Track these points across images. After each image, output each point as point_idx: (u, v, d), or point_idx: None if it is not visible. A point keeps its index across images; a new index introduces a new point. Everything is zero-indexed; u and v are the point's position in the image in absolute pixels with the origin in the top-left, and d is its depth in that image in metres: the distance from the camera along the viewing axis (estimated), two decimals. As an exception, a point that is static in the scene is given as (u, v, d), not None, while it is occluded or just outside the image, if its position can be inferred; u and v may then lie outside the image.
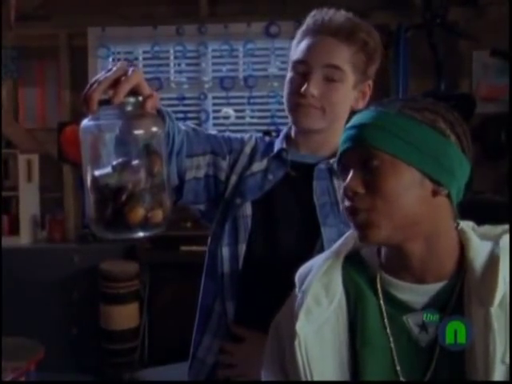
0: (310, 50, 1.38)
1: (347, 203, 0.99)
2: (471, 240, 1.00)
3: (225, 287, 1.42)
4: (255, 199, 1.43)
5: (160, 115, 1.14)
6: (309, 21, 1.41)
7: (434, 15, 3.61)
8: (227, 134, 1.53)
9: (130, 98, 0.96)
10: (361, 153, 0.98)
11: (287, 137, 1.49)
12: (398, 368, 0.98)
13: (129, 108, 0.96)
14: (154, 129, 0.97)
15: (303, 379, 1.01)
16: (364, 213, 0.96)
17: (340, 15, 1.39)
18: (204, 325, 1.48)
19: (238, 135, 1.54)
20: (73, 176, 4.21)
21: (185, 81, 4.24)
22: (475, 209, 1.03)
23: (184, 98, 4.20)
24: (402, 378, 0.98)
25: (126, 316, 3.76)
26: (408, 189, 0.95)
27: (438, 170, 0.96)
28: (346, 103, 1.41)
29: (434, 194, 0.97)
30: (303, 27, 1.42)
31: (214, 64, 4.19)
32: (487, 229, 1.05)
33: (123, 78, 0.95)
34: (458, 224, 1.03)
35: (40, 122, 4.27)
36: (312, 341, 1.01)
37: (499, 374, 0.91)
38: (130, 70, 0.98)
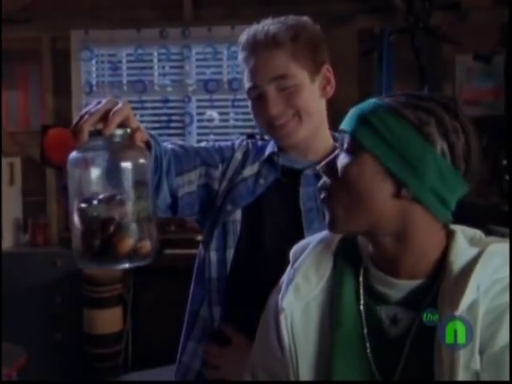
0: (253, 73, 1.39)
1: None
2: (457, 244, 1.00)
3: (212, 292, 1.42)
4: (246, 205, 1.43)
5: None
6: (244, 38, 1.42)
7: (417, 19, 3.63)
8: (218, 143, 1.53)
9: (119, 130, 0.97)
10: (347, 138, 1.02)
11: None
12: (369, 351, 1.01)
13: (117, 139, 0.97)
14: (142, 160, 0.97)
15: (288, 356, 1.03)
16: (324, 191, 1.03)
17: (270, 24, 1.40)
18: (189, 330, 1.48)
19: (229, 143, 1.53)
20: (56, 180, 4.17)
21: (169, 83, 4.24)
22: (457, 212, 1.03)
23: (168, 101, 4.18)
24: (373, 365, 1.00)
25: (109, 320, 3.74)
26: (367, 177, 0.98)
27: (403, 170, 0.96)
28: (314, 99, 1.41)
29: (397, 193, 0.97)
30: (240, 44, 1.43)
31: (197, 67, 4.18)
32: (481, 238, 1.05)
33: (114, 110, 0.97)
34: (447, 228, 1.03)
35: (23, 125, 4.23)
36: (298, 317, 1.04)
37: (464, 379, 0.90)
38: (120, 103, 0.99)
